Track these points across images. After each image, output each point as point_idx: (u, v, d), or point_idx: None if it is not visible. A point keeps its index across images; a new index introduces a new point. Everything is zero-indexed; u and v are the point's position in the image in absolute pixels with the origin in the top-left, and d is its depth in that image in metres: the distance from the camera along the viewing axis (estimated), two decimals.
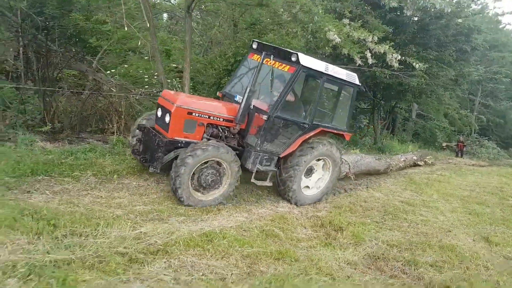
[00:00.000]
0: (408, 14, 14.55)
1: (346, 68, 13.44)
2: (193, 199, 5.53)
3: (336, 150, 6.96)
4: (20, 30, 7.79)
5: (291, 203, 6.66)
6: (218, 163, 5.71)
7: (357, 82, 6.88)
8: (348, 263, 4.83)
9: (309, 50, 11.32)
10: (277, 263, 4.42)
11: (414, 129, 25.64)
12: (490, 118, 29.56)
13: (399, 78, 14.22)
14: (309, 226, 5.96)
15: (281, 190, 6.67)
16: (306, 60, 6.07)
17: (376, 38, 10.32)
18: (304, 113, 6.62)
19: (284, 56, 6.18)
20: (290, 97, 6.43)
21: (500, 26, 32.27)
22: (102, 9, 10.12)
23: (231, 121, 6.16)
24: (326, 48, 10.38)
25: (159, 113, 6.03)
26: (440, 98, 18.10)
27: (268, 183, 6.51)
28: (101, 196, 5.48)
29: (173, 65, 11.26)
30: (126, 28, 7.21)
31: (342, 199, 7.57)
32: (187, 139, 5.81)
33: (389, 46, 10.78)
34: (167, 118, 5.76)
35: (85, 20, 9.41)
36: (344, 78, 6.63)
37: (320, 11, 9.20)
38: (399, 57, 11.08)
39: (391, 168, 10.47)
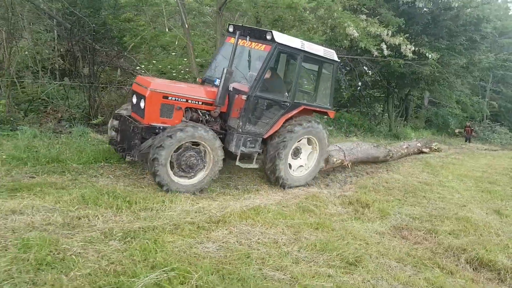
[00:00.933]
0: (420, 6, 15.02)
1: (363, 59, 14.08)
2: (173, 184, 5.41)
3: (320, 128, 6.87)
4: (69, 32, 8.56)
5: (280, 186, 6.66)
6: (198, 145, 5.57)
7: (335, 58, 6.85)
8: (376, 233, 5.54)
9: (326, 42, 11.91)
10: (317, 232, 5.15)
11: (427, 116, 26.09)
12: (501, 104, 29.85)
13: (412, 67, 14.77)
14: (339, 203, 6.67)
15: (269, 174, 6.61)
16: (281, 38, 6.06)
17: (390, 32, 10.93)
18: (286, 92, 6.57)
19: (259, 35, 6.16)
20: (279, 81, 6.62)
21: (510, 13, 32.30)
22: (135, 9, 10.82)
23: (211, 104, 6.02)
24: (345, 41, 11.01)
25: (134, 100, 5.91)
26: (452, 85, 18.59)
27: (253, 165, 6.48)
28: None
29: (197, 59, 11.99)
30: (167, 30, 7.89)
31: (365, 180, 8.27)
32: (164, 125, 5.62)
33: (403, 38, 11.39)
34: (142, 104, 5.62)
35: (114, 19, 10.14)
36: (321, 54, 6.59)
37: (340, 8, 9.82)
38: (413, 48, 11.69)
39: (391, 155, 10.15)
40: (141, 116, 5.70)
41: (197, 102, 5.93)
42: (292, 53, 6.44)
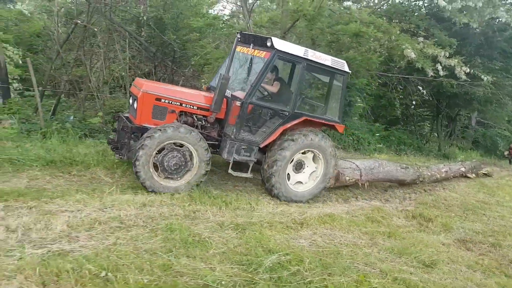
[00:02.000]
0: (474, 27, 15.25)
1: (414, 78, 14.44)
2: (157, 185, 5.38)
3: (325, 141, 6.50)
4: (153, 54, 9.76)
5: (280, 200, 6.41)
6: (182, 146, 5.50)
7: (345, 69, 6.54)
8: (442, 244, 6.03)
9: (382, 63, 12.48)
10: (390, 239, 5.74)
11: (474, 137, 25.63)
12: None
13: (465, 87, 14.95)
14: (403, 217, 7.19)
15: (267, 187, 6.42)
16: (282, 45, 5.90)
17: (447, 54, 11.37)
18: (289, 102, 6.28)
19: (261, 43, 6.06)
20: (274, 88, 6.46)
21: None
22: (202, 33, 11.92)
23: (207, 110, 5.95)
24: (401, 62, 11.55)
25: (131, 101, 6.03)
26: (503, 106, 18.41)
27: (247, 174, 6.26)
28: (237, 185, 7.06)
29: None
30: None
31: (424, 197, 8.71)
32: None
33: (459, 60, 11.77)
34: (135, 105, 5.69)
35: (186, 42, 11.22)
36: (329, 64, 6.30)
37: (398, 32, 10.42)
38: (468, 69, 12.02)
39: (421, 180, 9.25)
40: (134, 116, 5.75)
41: (191, 107, 5.88)
42: (293, 61, 6.28)
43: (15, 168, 5.62)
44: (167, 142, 5.31)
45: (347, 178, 7.61)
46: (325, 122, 6.63)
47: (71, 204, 4.61)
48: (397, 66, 12.65)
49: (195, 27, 11.41)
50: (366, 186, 8.12)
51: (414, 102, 15.31)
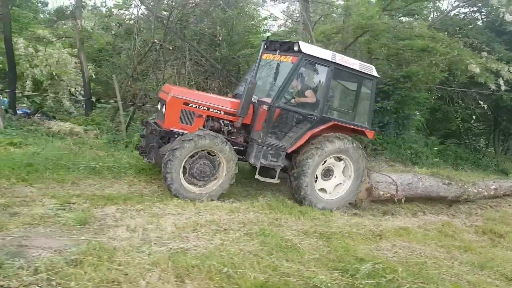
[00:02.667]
0: None
1: (472, 92, 14.11)
2: (184, 191, 5.41)
3: (354, 147, 6.34)
4: (219, 71, 10.36)
5: (304, 204, 6.26)
6: (212, 154, 5.56)
7: (374, 73, 6.48)
8: None
9: (444, 77, 12.29)
10: (466, 253, 5.76)
11: None
12: None
13: None
14: (473, 232, 7.14)
15: (294, 193, 6.29)
16: (309, 48, 5.91)
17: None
18: (317, 106, 6.24)
19: (288, 48, 6.07)
20: (310, 98, 6.34)
21: None
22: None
23: (233, 115, 5.97)
24: (463, 76, 11.43)
25: (159, 106, 6.16)
26: None
27: (275, 180, 6.18)
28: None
29: None
30: None
31: (491, 213, 8.56)
32: (184, 131, 5.68)
33: None
34: (163, 109, 5.81)
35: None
36: (357, 68, 6.27)
37: (461, 47, 10.37)
38: None
39: (466, 196, 8.58)
40: (162, 121, 5.87)
41: (219, 112, 5.95)
42: (321, 65, 6.12)
43: (113, 175, 6.24)
44: (204, 148, 5.41)
45: (381, 192, 7.25)
46: (355, 127, 6.52)
47: (171, 208, 5.10)
48: (456, 80, 12.46)
49: (256, 44, 11.96)
50: (403, 201, 7.66)
51: (474, 116, 14.92)
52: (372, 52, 11.72)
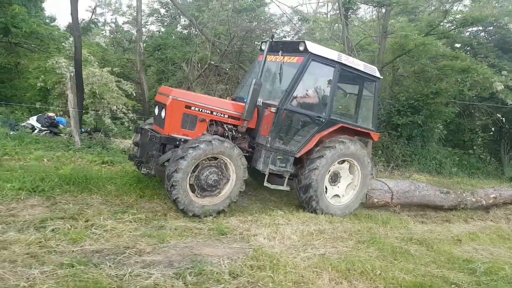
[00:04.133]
0: None
1: (483, 105, 14.99)
2: (191, 204, 4.90)
3: (360, 149, 6.23)
4: None
5: (317, 213, 5.97)
6: (221, 161, 5.14)
7: (377, 74, 6.38)
8: None
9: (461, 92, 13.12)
10: None
11: None
12: None
13: None
14: None
15: (303, 201, 6.01)
16: (315, 48, 5.69)
17: None
18: (325, 108, 6.04)
19: (292, 48, 5.83)
20: (314, 98, 6.18)
21: None
22: None
23: (238, 118, 5.63)
24: (484, 92, 12.26)
25: (156, 111, 5.59)
26: None
27: (284, 187, 5.93)
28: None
29: None
30: None
31: None
32: (186, 137, 5.20)
33: None
34: (163, 113, 5.29)
35: None
36: (362, 69, 6.15)
37: (485, 67, 11.19)
38: None
39: (463, 206, 8.49)
40: (161, 126, 5.35)
41: (222, 115, 5.56)
42: (327, 65, 5.89)
43: None
44: (210, 155, 4.95)
45: (375, 200, 7.17)
46: (361, 129, 6.36)
47: (279, 219, 5.56)
48: (475, 95, 13.25)
49: None
50: (397, 209, 7.57)
51: (493, 129, 15.83)
52: (398, 69, 12.46)
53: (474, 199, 8.74)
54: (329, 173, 6.10)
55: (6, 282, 2.86)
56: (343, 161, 6.27)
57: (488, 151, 22.06)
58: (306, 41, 5.65)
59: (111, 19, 28.13)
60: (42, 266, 3.21)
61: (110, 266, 3.44)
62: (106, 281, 3.12)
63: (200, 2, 16.19)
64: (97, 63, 13.84)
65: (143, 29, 25.15)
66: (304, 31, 13.26)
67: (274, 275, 3.63)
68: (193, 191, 4.99)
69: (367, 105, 6.71)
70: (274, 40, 5.98)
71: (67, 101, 11.93)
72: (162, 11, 23.45)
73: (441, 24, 10.25)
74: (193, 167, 4.81)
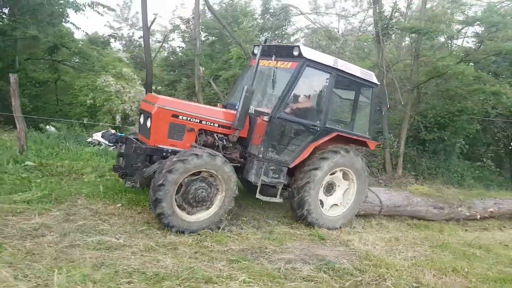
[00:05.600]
0: None
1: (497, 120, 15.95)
2: (177, 221, 4.57)
3: (356, 158, 5.99)
4: None
5: (313, 227, 5.75)
6: (211, 176, 4.82)
7: (375, 81, 6.16)
8: None
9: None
10: None
11: None
12: None
13: None
14: None
15: (297, 214, 5.76)
16: (310, 53, 5.45)
17: None
18: (320, 116, 5.76)
19: (286, 53, 5.57)
20: (308, 102, 5.95)
21: None
22: None
23: (229, 127, 5.38)
24: (507, 111, 13.16)
25: (142, 120, 5.31)
26: None
27: (277, 199, 5.68)
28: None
29: None
30: None
31: None
32: (174, 148, 4.94)
33: None
34: (148, 123, 4.98)
35: None
36: (359, 75, 5.92)
37: (508, 86, 12.10)
38: None
39: (455, 220, 8.31)
40: (147, 136, 5.05)
41: (212, 124, 5.28)
42: (323, 71, 5.63)
43: None
44: (198, 170, 4.64)
45: (362, 212, 6.89)
46: (357, 138, 6.13)
47: (357, 227, 6.36)
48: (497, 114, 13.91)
49: None
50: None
51: None
52: (422, 87, 13.30)
53: (468, 213, 8.59)
54: (324, 184, 5.88)
55: (208, 273, 3.63)
56: (338, 171, 6.03)
57: (502, 164, 23.13)
58: (300, 46, 5.41)
59: (128, 33, 28.89)
60: (218, 261, 3.98)
61: (262, 261, 4.21)
62: (273, 272, 3.89)
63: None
64: (140, 81, 14.73)
65: (165, 45, 26.15)
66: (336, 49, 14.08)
67: (390, 272, 4.41)
68: (179, 206, 4.67)
69: (364, 112, 6.51)
70: (267, 44, 5.78)
71: (113, 118, 12.88)
72: (183, 27, 24.56)
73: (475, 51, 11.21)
74: (180, 181, 4.53)
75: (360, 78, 5.98)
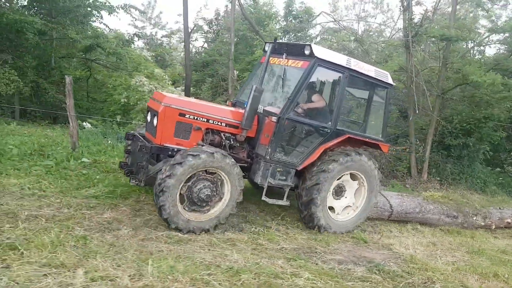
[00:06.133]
0: None
1: None
2: (182, 220, 4.51)
3: (367, 161, 5.78)
4: None
5: (320, 231, 5.60)
6: (218, 177, 4.77)
7: (390, 81, 5.93)
8: None
9: None
10: None
11: None
12: None
13: None
14: None
15: (304, 216, 5.60)
16: (322, 52, 5.27)
17: None
18: (330, 117, 5.63)
19: (298, 52, 5.42)
20: (319, 103, 5.74)
21: None
22: None
23: (236, 127, 5.26)
24: None
25: (149, 118, 5.27)
26: None
27: (284, 202, 5.49)
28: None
29: None
30: None
31: None
32: (180, 147, 4.89)
33: None
34: (155, 121, 4.94)
35: None
36: (373, 75, 5.70)
37: None
38: None
39: (465, 227, 7.95)
40: (153, 135, 5.01)
41: (220, 124, 5.18)
42: (335, 71, 5.49)
43: None
44: (200, 169, 4.55)
45: (372, 216, 6.85)
46: (370, 140, 5.97)
47: (394, 231, 6.59)
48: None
49: None
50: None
51: None
52: (447, 92, 13.41)
53: (483, 223, 8.31)
54: (333, 187, 5.69)
55: (272, 269, 3.93)
56: (349, 174, 5.86)
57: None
58: (312, 44, 5.25)
59: (151, 32, 29.44)
60: (276, 258, 4.29)
61: (316, 260, 4.50)
62: (329, 272, 4.18)
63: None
64: (170, 81, 15.16)
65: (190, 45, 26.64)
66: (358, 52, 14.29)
67: (436, 275, 4.65)
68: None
69: (378, 114, 6.31)
70: (279, 41, 5.71)
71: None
72: (206, 28, 24.99)
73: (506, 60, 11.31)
74: (188, 176, 4.47)
75: (374, 78, 5.77)
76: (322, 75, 5.71)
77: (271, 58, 5.62)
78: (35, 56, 13.89)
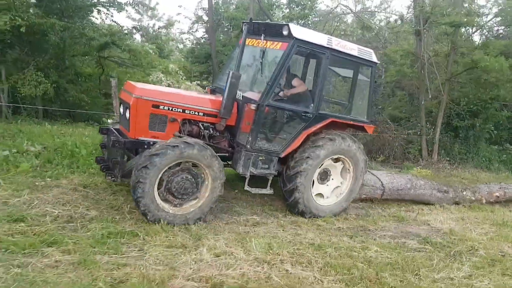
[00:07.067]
0: None
1: None
2: (161, 213, 4.39)
3: (353, 145, 5.67)
4: None
5: (305, 217, 5.51)
6: (194, 166, 4.59)
7: (374, 59, 5.75)
8: None
9: None
10: None
11: None
12: None
13: None
14: None
15: (289, 203, 5.51)
16: (301, 33, 5.04)
17: None
18: (312, 101, 5.44)
19: (275, 32, 5.19)
20: (301, 87, 5.59)
21: None
22: None
23: (215, 116, 5.07)
24: None
25: (121, 110, 5.08)
26: None
27: (267, 190, 5.39)
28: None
29: None
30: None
31: None
32: (155, 139, 4.71)
33: None
34: (127, 114, 4.75)
35: None
36: (355, 54, 5.48)
37: None
38: None
39: (460, 203, 8.01)
40: (127, 128, 4.84)
41: (197, 113, 4.99)
42: (315, 52, 5.31)
43: None
44: (178, 161, 4.41)
45: (363, 196, 6.81)
46: (354, 123, 5.87)
47: (425, 208, 7.23)
48: None
49: None
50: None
51: None
52: (456, 76, 13.97)
53: (474, 198, 8.37)
54: (318, 172, 5.61)
55: (343, 244, 4.53)
56: (339, 161, 5.82)
57: None
58: (290, 24, 4.99)
59: (148, 24, 29.47)
60: (340, 236, 4.89)
61: (374, 236, 5.13)
62: (388, 245, 4.81)
63: None
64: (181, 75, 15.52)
65: (191, 37, 26.76)
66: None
67: (476, 244, 5.30)
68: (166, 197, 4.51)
69: (362, 94, 6.14)
70: (257, 21, 5.52)
71: None
72: (206, 18, 25.13)
73: None
74: (159, 176, 4.31)
75: (358, 57, 5.56)
76: (301, 57, 5.62)
77: (249, 39, 5.42)
78: (51, 57, 14.14)
